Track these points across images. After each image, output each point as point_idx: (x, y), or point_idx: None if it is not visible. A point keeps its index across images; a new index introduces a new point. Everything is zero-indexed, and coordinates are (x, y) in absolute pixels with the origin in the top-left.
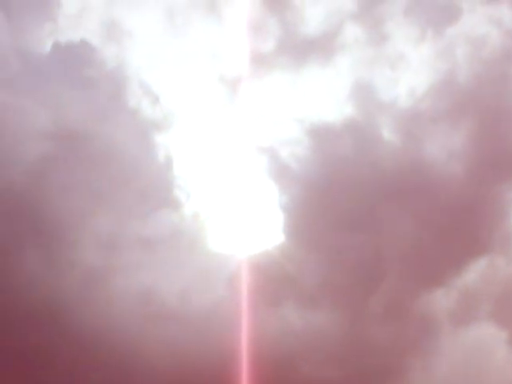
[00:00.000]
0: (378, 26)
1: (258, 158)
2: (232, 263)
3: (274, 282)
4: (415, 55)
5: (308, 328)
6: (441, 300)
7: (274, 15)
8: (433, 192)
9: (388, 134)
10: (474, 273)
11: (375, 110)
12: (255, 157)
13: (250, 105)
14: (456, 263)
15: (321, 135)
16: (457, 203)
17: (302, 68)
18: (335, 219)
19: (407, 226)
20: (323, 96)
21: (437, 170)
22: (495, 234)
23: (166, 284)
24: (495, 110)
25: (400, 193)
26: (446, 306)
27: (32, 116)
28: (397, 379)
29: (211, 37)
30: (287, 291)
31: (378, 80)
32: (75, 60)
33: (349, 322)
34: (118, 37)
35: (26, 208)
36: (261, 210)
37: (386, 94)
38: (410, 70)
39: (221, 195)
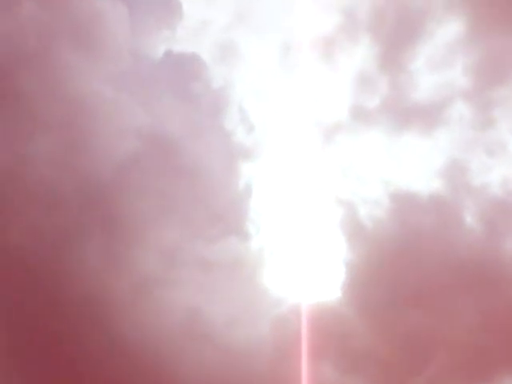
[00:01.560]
0: (487, 109)
1: (335, 209)
2: (283, 306)
3: (319, 335)
4: None
5: None
6: None
7: (386, 74)
8: (503, 288)
9: (471, 218)
10: None
11: (463, 192)
12: (332, 207)
13: (341, 156)
14: (509, 366)
15: (403, 202)
16: None
17: (400, 132)
18: (396, 289)
19: (468, 315)
20: (415, 164)
21: None
22: None
23: (216, 309)
24: None
25: (469, 280)
26: None
27: (130, 115)
28: None
29: (318, 87)
30: (330, 348)
31: (474, 163)
32: (183, 71)
33: None
34: (231, 58)
35: (100, 202)
36: (325, 260)
37: (479, 178)
38: (509, 160)
39: (289, 237)
